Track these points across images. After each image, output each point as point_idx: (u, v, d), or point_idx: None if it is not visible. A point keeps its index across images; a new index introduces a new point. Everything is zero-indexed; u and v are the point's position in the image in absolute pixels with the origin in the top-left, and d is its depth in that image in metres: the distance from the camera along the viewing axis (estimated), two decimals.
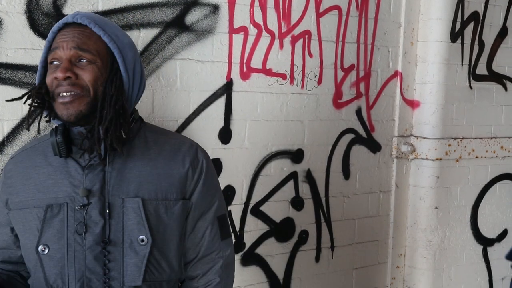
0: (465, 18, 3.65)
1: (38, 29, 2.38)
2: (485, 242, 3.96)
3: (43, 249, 1.66)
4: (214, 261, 1.86)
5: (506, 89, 3.92)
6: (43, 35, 2.39)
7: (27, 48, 2.37)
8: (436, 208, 3.65)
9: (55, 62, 1.66)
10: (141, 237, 1.69)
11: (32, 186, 1.71)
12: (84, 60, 1.65)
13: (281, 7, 3.07)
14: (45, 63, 1.71)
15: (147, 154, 1.74)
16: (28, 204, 1.70)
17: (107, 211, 1.67)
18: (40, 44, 2.39)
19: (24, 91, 2.36)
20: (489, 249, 3.97)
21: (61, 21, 1.70)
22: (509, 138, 3.92)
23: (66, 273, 1.66)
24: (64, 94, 1.63)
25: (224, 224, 1.89)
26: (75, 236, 1.66)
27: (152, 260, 1.71)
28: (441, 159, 3.61)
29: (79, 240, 1.66)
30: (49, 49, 1.69)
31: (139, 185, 1.71)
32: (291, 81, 3.15)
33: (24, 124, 2.38)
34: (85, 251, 1.66)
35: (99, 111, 1.66)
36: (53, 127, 1.75)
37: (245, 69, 2.99)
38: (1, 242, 1.79)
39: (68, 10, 2.44)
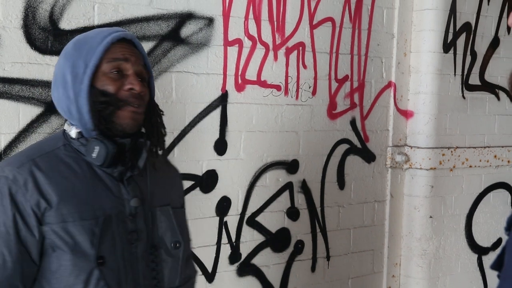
0: (457, 29, 3.69)
1: (34, 43, 2.41)
2: (480, 251, 3.98)
3: (102, 261, 1.64)
4: (190, 259, 2.00)
5: (498, 98, 3.96)
6: (39, 49, 2.42)
7: (23, 62, 2.39)
8: (430, 217, 3.68)
9: (115, 72, 1.68)
10: (175, 241, 1.78)
11: (72, 197, 1.64)
12: (143, 79, 1.73)
13: (275, 19, 3.10)
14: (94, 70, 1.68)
15: (157, 167, 1.82)
16: (73, 217, 1.62)
17: (150, 219, 1.75)
18: (37, 58, 2.41)
19: (21, 105, 2.39)
20: (484, 258, 3.99)
21: (120, 34, 1.70)
22: (502, 147, 3.96)
23: (124, 282, 1.68)
24: (136, 106, 1.69)
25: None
26: (127, 246, 1.69)
27: (183, 262, 1.82)
28: (435, 168, 3.64)
29: (130, 249, 1.69)
30: (101, 58, 1.67)
31: (163, 195, 1.82)
32: (286, 93, 3.18)
33: (21, 137, 2.40)
34: (137, 259, 1.71)
35: (148, 126, 1.76)
36: (71, 134, 1.70)
37: (240, 81, 3.02)
38: (22, 266, 1.62)
39: (64, 24, 2.47)
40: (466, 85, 3.79)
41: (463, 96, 3.78)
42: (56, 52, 2.45)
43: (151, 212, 1.75)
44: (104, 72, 1.67)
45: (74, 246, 1.62)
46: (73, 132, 1.71)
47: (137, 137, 1.73)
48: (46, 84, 2.43)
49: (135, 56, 1.71)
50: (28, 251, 1.62)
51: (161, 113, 1.83)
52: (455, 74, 3.72)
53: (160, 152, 1.80)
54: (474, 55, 3.82)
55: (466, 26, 3.74)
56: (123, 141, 1.68)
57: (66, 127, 1.74)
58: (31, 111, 2.42)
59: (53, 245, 1.63)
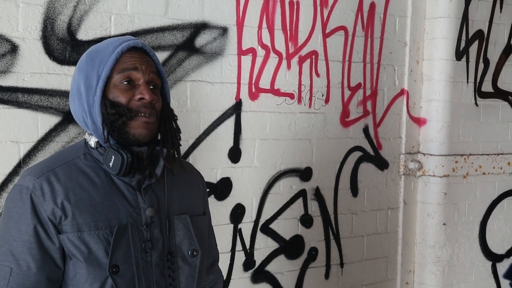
0: (469, 37, 3.70)
1: (53, 54, 2.46)
2: (494, 258, 3.97)
3: (115, 270, 1.66)
4: (215, 263, 2.05)
5: (511, 105, 3.96)
6: (58, 60, 2.47)
7: (42, 73, 2.44)
8: (444, 224, 3.68)
9: (124, 82, 1.69)
10: (192, 250, 1.80)
11: (88, 207, 1.67)
12: (155, 86, 1.74)
13: (288, 28, 3.13)
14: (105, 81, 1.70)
15: (174, 172, 1.81)
16: (88, 226, 1.65)
17: (167, 228, 1.76)
18: (55, 68, 2.46)
19: (39, 114, 2.44)
20: (498, 265, 3.98)
21: (130, 43, 1.71)
22: None
23: None
24: (148, 115, 1.70)
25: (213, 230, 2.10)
26: (142, 255, 1.71)
27: (201, 270, 1.84)
28: (448, 175, 3.64)
29: (145, 258, 1.71)
30: (112, 69, 1.69)
31: (180, 203, 1.82)
32: (299, 101, 3.21)
33: (40, 146, 2.44)
34: (152, 267, 1.73)
35: (162, 134, 1.76)
36: (90, 143, 1.73)
37: (253, 90, 3.05)
38: (47, 272, 1.65)
39: (82, 35, 2.52)
40: (479, 92, 3.80)
41: (476, 103, 3.79)
42: (74, 63, 2.49)
43: (168, 220, 1.77)
44: (115, 84, 1.69)
45: (88, 255, 1.65)
46: (92, 141, 1.74)
47: (154, 145, 1.74)
48: (64, 94, 2.48)
49: (145, 64, 1.71)
50: (51, 257, 1.66)
51: (175, 117, 1.82)
52: (467, 82, 3.73)
53: (176, 157, 1.79)
54: (486, 62, 3.82)
55: (479, 34, 3.75)
56: (140, 150, 1.70)
57: (86, 136, 1.77)
58: (50, 121, 2.47)
59: (70, 253, 1.67)
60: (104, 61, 1.68)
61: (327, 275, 3.41)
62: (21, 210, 1.65)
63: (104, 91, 1.68)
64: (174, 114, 1.82)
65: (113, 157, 1.67)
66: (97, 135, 1.70)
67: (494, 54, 3.85)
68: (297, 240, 3.28)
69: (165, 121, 1.77)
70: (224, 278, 3.01)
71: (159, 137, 1.78)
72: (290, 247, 3.25)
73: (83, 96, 1.69)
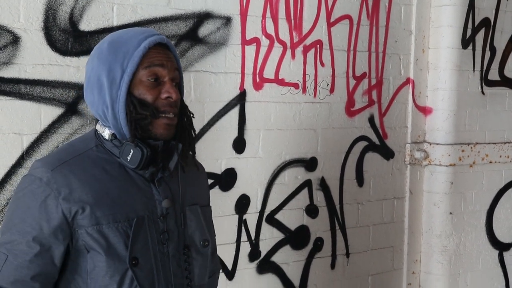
0: (476, 25, 3.66)
1: (55, 45, 2.45)
2: (501, 247, 3.95)
3: (135, 262, 1.66)
4: (215, 253, 2.02)
5: None
6: (60, 51, 2.45)
7: (44, 64, 2.43)
8: (450, 213, 3.66)
9: (151, 80, 1.66)
10: (203, 240, 1.82)
11: (105, 199, 1.66)
12: (177, 85, 1.74)
13: (292, 17, 3.11)
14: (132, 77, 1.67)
15: (185, 168, 1.82)
16: (107, 219, 1.65)
17: (182, 219, 1.77)
18: (58, 59, 2.45)
19: (42, 106, 2.43)
20: (505, 254, 3.97)
21: (156, 39, 1.68)
22: None
23: (156, 281, 1.70)
24: (171, 115, 1.68)
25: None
26: (159, 246, 1.71)
27: (211, 259, 1.87)
28: (454, 164, 3.62)
29: (162, 249, 1.72)
30: (138, 64, 1.66)
31: (191, 194, 1.83)
32: (304, 91, 3.19)
33: (43, 138, 2.44)
34: (169, 259, 1.73)
35: (180, 131, 1.76)
36: (103, 135, 1.72)
37: (258, 80, 3.03)
38: (40, 267, 1.64)
39: (84, 26, 2.50)
40: (486, 81, 3.77)
41: (482, 91, 3.76)
42: (76, 53, 2.49)
43: (182, 212, 1.78)
44: (141, 80, 1.66)
45: (108, 247, 1.65)
46: (106, 133, 1.71)
47: (169, 139, 1.73)
48: (66, 85, 2.47)
49: (171, 62, 1.70)
50: (49, 254, 1.64)
51: (192, 115, 1.82)
52: (474, 70, 3.70)
53: (190, 154, 1.82)
54: (493, 50, 3.79)
55: (485, 22, 3.72)
56: (156, 143, 1.69)
57: (98, 127, 1.74)
58: (53, 112, 2.46)
59: (88, 246, 1.65)
60: (129, 55, 1.65)
61: (333, 265, 3.40)
62: (29, 201, 1.64)
63: (129, 86, 1.65)
64: (190, 112, 1.82)
65: (132, 150, 1.65)
66: (116, 128, 1.68)
67: (500, 42, 3.82)
68: (303, 231, 3.27)
69: (183, 118, 1.77)
70: (230, 268, 3.02)
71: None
72: (296, 238, 3.24)
73: (105, 89, 1.65)
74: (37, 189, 1.63)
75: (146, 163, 1.66)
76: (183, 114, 1.78)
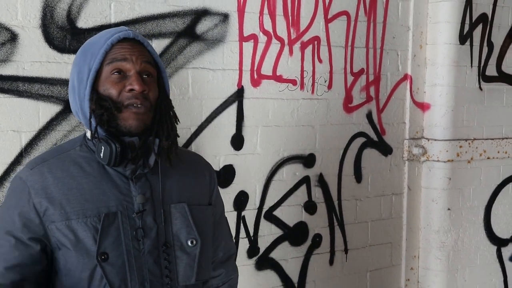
0: (473, 20, 3.67)
1: (53, 42, 2.45)
2: (499, 243, 3.96)
3: (104, 257, 1.67)
4: (231, 258, 2.05)
5: None
6: (58, 48, 2.46)
7: (42, 61, 2.43)
8: (448, 209, 3.67)
9: (116, 73, 1.69)
10: (191, 239, 1.79)
11: (77, 196, 1.69)
12: (150, 76, 1.74)
13: (290, 14, 3.11)
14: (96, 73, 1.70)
15: (175, 165, 1.81)
16: (77, 215, 1.68)
17: (162, 216, 1.76)
18: (55, 57, 2.45)
19: (40, 103, 2.43)
20: (503, 250, 3.98)
21: (121, 35, 1.70)
22: None
23: (129, 278, 1.70)
24: (139, 105, 1.69)
25: (228, 224, 2.12)
26: (133, 242, 1.71)
27: (201, 259, 1.83)
28: (452, 160, 3.63)
29: (137, 246, 1.72)
30: (101, 61, 1.69)
31: (179, 192, 1.82)
32: (302, 87, 3.19)
33: (41, 135, 2.44)
34: (144, 256, 1.73)
35: (157, 124, 1.75)
36: (87, 134, 1.76)
37: (255, 76, 3.03)
38: (16, 259, 1.68)
39: (82, 23, 2.50)
40: (483, 77, 3.77)
41: (480, 87, 3.76)
42: (74, 51, 2.48)
43: (164, 209, 1.76)
44: (106, 76, 1.69)
45: (76, 243, 1.67)
46: (88, 133, 1.76)
47: (147, 135, 1.73)
48: (64, 82, 2.47)
49: (136, 54, 1.70)
50: (25, 246, 1.69)
51: (172, 108, 1.81)
52: (471, 66, 3.70)
53: (173, 147, 1.78)
54: (491, 46, 3.79)
55: (483, 17, 3.72)
56: (132, 140, 1.71)
57: (85, 127, 1.79)
58: (51, 109, 2.46)
59: (58, 243, 1.69)
60: (94, 54, 1.69)
61: (331, 262, 3.41)
62: (9, 199, 1.73)
63: (95, 85, 1.69)
64: (171, 105, 1.81)
65: (102, 147, 1.68)
66: (89, 127, 1.72)
67: (498, 38, 3.82)
68: (301, 227, 3.27)
69: (161, 112, 1.76)
70: None
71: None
72: (294, 234, 3.25)
73: (76, 90, 1.71)
74: (17, 188, 1.72)
75: (117, 159, 1.68)
76: (163, 109, 1.77)
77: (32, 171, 1.72)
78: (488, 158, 3.79)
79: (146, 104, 1.70)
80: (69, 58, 2.47)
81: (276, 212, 3.17)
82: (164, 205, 1.77)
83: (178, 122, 1.83)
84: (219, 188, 2.93)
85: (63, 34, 2.47)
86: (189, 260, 1.79)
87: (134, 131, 1.70)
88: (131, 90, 1.68)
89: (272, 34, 3.06)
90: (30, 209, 1.68)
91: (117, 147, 1.66)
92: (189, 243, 1.79)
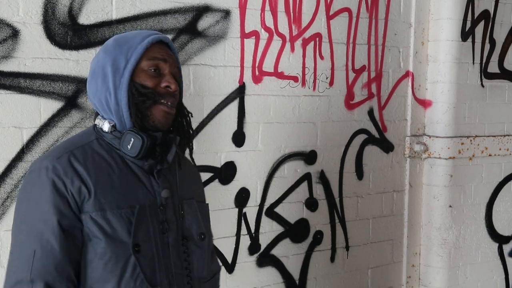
0: (475, 17, 3.66)
1: (54, 38, 2.44)
2: (500, 240, 3.96)
3: (137, 249, 1.69)
4: (214, 253, 2.06)
5: None
6: (59, 45, 2.45)
7: (44, 58, 2.42)
8: (450, 206, 3.67)
9: (152, 69, 1.76)
10: (200, 233, 1.85)
11: (108, 187, 1.70)
12: (176, 81, 1.81)
13: (291, 10, 3.11)
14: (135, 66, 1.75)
15: (184, 164, 1.91)
16: (110, 206, 1.69)
17: (181, 211, 1.81)
18: (57, 53, 2.45)
19: (42, 99, 2.43)
20: (505, 247, 3.97)
21: (160, 37, 1.79)
22: None
23: (157, 270, 1.73)
24: (170, 104, 1.77)
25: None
26: (160, 235, 1.75)
27: (209, 253, 1.90)
28: (454, 157, 3.62)
29: (163, 239, 1.76)
30: (141, 55, 1.75)
31: (188, 188, 1.89)
32: (303, 84, 3.19)
33: (43, 131, 2.44)
34: (169, 248, 1.77)
35: (177, 125, 1.85)
36: (103, 127, 1.76)
37: (257, 73, 3.03)
38: (69, 252, 1.65)
39: (83, 19, 2.50)
40: (485, 74, 3.77)
41: (482, 84, 3.76)
42: (76, 47, 2.49)
43: (180, 204, 1.82)
44: (143, 69, 1.75)
45: (111, 233, 1.68)
46: (106, 125, 1.77)
47: (168, 132, 1.80)
48: (66, 79, 2.47)
49: (172, 59, 1.80)
50: (73, 236, 1.67)
51: (190, 114, 1.91)
52: (473, 63, 3.70)
53: (187, 151, 1.89)
54: (493, 43, 3.79)
55: (485, 14, 3.72)
56: (155, 135, 1.75)
57: (97, 121, 1.80)
58: (52, 106, 2.46)
59: (90, 234, 1.68)
60: (133, 48, 1.75)
61: (332, 259, 3.41)
62: (41, 191, 1.67)
63: (131, 75, 1.73)
64: (188, 111, 1.91)
65: (132, 139, 1.71)
66: (117, 117, 1.74)
67: (500, 35, 3.82)
68: (302, 224, 3.27)
69: (181, 115, 1.87)
70: (229, 262, 3.02)
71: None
72: (295, 231, 3.25)
73: (109, 77, 1.73)
74: (45, 178, 1.67)
75: (145, 152, 1.72)
76: (181, 112, 1.87)
77: (58, 160, 1.69)
78: (490, 155, 3.79)
79: (175, 106, 1.79)
80: (71, 55, 2.47)
81: (277, 209, 3.17)
82: (180, 200, 1.83)
83: (193, 130, 1.94)
84: (220, 184, 2.97)
85: (65, 31, 2.47)
86: (201, 254, 1.85)
87: (160, 127, 1.76)
88: (167, 87, 1.76)
89: (274, 30, 3.06)
90: (70, 196, 1.66)
91: (148, 140, 1.71)
92: (199, 238, 1.84)
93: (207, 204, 2.01)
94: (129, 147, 1.71)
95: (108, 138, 1.76)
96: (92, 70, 1.79)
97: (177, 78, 1.82)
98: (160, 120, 1.75)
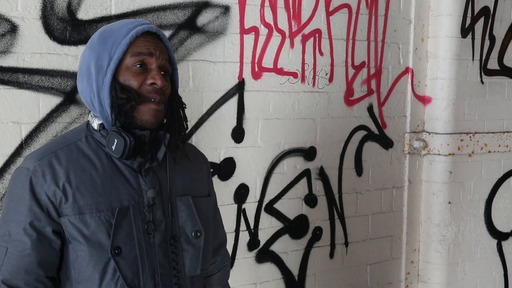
0: (475, 13, 3.65)
1: (53, 34, 2.44)
2: (499, 236, 3.96)
3: (117, 251, 1.67)
4: (223, 245, 2.08)
5: None
6: (58, 40, 2.44)
7: (43, 53, 2.42)
8: (449, 203, 3.67)
9: (137, 66, 1.68)
10: (195, 231, 1.80)
11: (89, 189, 1.68)
12: (166, 73, 1.74)
13: (291, 6, 3.10)
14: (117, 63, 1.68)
15: (177, 158, 1.82)
16: (90, 209, 1.66)
17: (170, 210, 1.76)
18: (56, 48, 2.44)
19: (40, 95, 2.42)
20: (504, 243, 3.98)
21: (145, 27, 1.70)
22: None
23: (141, 271, 1.70)
24: (158, 101, 1.69)
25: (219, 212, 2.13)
26: (144, 236, 1.71)
27: (205, 250, 1.84)
28: (453, 154, 3.62)
29: (148, 239, 1.72)
30: (125, 51, 1.68)
31: (183, 185, 1.82)
32: (303, 80, 3.18)
33: (41, 127, 2.43)
34: (155, 249, 1.73)
35: (168, 120, 1.76)
36: (93, 125, 1.73)
37: (256, 69, 3.02)
38: (40, 254, 1.66)
39: (82, 14, 2.49)
40: (485, 70, 3.76)
41: (481, 81, 3.76)
42: (74, 42, 2.48)
43: (171, 203, 1.77)
44: (127, 66, 1.67)
45: (90, 237, 1.66)
46: (95, 123, 1.73)
47: (157, 129, 1.74)
48: (65, 74, 2.46)
49: (159, 50, 1.70)
50: (47, 238, 1.66)
51: (184, 106, 1.83)
52: (473, 59, 3.69)
53: (180, 145, 1.79)
54: (492, 39, 3.78)
55: (485, 10, 3.71)
56: (143, 133, 1.70)
57: (89, 118, 1.77)
58: (51, 101, 2.46)
59: (70, 236, 1.67)
60: (116, 43, 1.67)
61: (331, 255, 3.41)
62: (20, 191, 1.67)
63: (114, 73, 1.67)
64: (182, 102, 1.83)
65: (115, 140, 1.66)
66: (103, 117, 1.69)
67: (500, 31, 3.81)
68: (302, 220, 3.27)
69: (173, 109, 1.77)
70: None
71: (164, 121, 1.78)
72: (295, 227, 3.25)
73: (93, 76, 1.67)
74: (25, 178, 1.67)
75: (130, 152, 1.67)
76: (174, 105, 1.78)
77: (40, 161, 1.68)
78: (489, 151, 3.79)
79: (163, 101, 1.71)
80: (69, 50, 2.47)
81: (277, 205, 3.17)
82: (171, 198, 1.78)
83: (187, 121, 1.84)
84: (219, 180, 2.96)
85: (64, 26, 2.46)
86: (195, 252, 1.80)
87: (149, 126, 1.70)
88: (153, 84, 1.68)
89: (273, 26, 3.05)
90: (46, 199, 1.66)
91: (131, 140, 1.65)
92: (194, 235, 1.80)
93: (210, 196, 1.96)
94: (113, 147, 1.67)
95: (97, 136, 1.73)
96: (80, 67, 1.74)
97: (167, 69, 1.74)
98: (148, 120, 1.68)
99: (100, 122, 1.72)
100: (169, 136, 1.74)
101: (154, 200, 1.73)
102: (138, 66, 1.68)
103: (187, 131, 1.84)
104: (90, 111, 1.77)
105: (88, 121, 1.77)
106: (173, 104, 1.78)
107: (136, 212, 1.71)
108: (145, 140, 1.71)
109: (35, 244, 1.64)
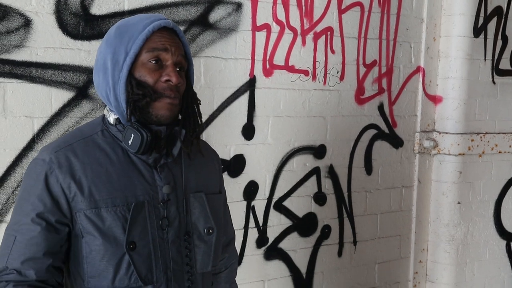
0: (488, 13, 3.64)
1: (66, 28, 2.44)
2: (509, 237, 3.95)
3: (132, 246, 1.67)
4: (232, 242, 2.10)
5: None
6: (71, 35, 2.45)
7: (56, 47, 2.43)
8: (459, 203, 3.66)
9: (153, 62, 1.68)
10: (208, 227, 1.81)
11: (105, 183, 1.68)
12: (181, 69, 1.73)
13: (303, 4, 3.10)
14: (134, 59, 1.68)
15: (191, 154, 1.82)
16: (106, 203, 1.67)
17: (184, 206, 1.77)
18: (69, 43, 2.45)
19: (53, 89, 2.43)
20: None
21: (161, 23, 1.69)
22: None
23: (154, 266, 1.71)
24: (172, 97, 1.68)
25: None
26: (158, 232, 1.72)
27: (216, 247, 1.85)
28: (463, 154, 3.61)
29: (162, 235, 1.72)
30: (141, 47, 1.68)
31: (197, 182, 1.83)
32: (314, 78, 3.18)
33: (53, 121, 2.44)
34: (168, 245, 1.74)
35: (183, 116, 1.76)
36: (109, 119, 1.73)
37: (268, 66, 3.02)
38: (48, 243, 1.66)
39: (95, 9, 2.50)
40: (497, 70, 3.75)
41: (493, 81, 3.74)
42: (87, 37, 2.49)
43: (185, 199, 1.78)
44: (143, 62, 1.67)
45: (105, 231, 1.66)
46: (111, 118, 1.73)
47: (173, 125, 1.74)
48: (77, 69, 2.47)
49: (175, 46, 1.70)
50: (56, 229, 1.67)
51: (199, 102, 1.82)
52: (485, 59, 3.68)
53: (197, 141, 1.80)
54: (505, 39, 3.77)
55: (498, 10, 3.69)
56: (159, 129, 1.70)
57: (105, 112, 1.77)
58: (63, 96, 2.47)
59: (84, 230, 1.67)
60: (133, 38, 1.67)
61: (340, 253, 3.41)
62: (33, 182, 1.68)
63: (130, 69, 1.67)
64: (197, 98, 1.82)
65: (132, 135, 1.67)
66: (118, 111, 1.70)
67: None
68: (310, 218, 3.27)
69: (188, 105, 1.77)
70: (237, 254, 3.02)
71: (179, 117, 1.78)
72: (303, 225, 3.25)
73: (109, 71, 1.68)
74: (40, 169, 1.67)
75: (146, 148, 1.67)
76: (189, 101, 1.78)
77: (56, 154, 1.68)
78: (500, 152, 3.78)
79: (178, 97, 1.71)
80: (82, 45, 2.47)
81: (286, 203, 3.17)
82: (185, 194, 1.78)
83: (202, 117, 1.84)
84: (229, 177, 2.97)
85: (77, 21, 2.47)
86: (206, 248, 1.81)
87: (164, 121, 1.70)
88: (168, 81, 1.68)
89: (285, 24, 3.05)
90: (60, 191, 1.66)
91: (148, 135, 1.66)
92: (207, 232, 1.80)
93: (221, 193, 1.97)
94: (129, 142, 1.67)
95: (113, 130, 1.73)
96: (96, 61, 1.74)
97: (183, 65, 1.73)
98: (163, 114, 1.68)
99: (116, 116, 1.72)
100: (185, 132, 1.74)
101: (168, 196, 1.74)
102: (154, 62, 1.68)
103: (201, 128, 1.85)
104: (105, 105, 1.77)
105: (104, 115, 1.78)
106: (188, 100, 1.78)
107: (151, 208, 1.71)
108: (161, 135, 1.71)
109: (42, 233, 1.65)
